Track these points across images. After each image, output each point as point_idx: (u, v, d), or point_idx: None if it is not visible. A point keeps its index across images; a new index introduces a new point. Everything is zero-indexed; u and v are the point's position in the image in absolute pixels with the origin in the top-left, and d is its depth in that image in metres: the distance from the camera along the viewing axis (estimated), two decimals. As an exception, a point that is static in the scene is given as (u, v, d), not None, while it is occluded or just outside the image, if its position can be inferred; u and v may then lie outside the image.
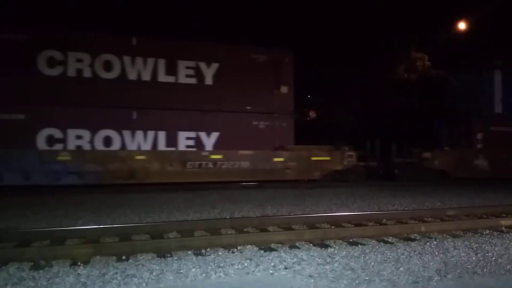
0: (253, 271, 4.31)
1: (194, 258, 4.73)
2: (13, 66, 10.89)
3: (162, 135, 12.11)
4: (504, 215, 7.86)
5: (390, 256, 4.87)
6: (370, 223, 6.99)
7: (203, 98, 12.47)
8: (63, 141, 11.29)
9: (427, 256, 4.93)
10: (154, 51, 12.20)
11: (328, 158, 13.80)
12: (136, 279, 4.00)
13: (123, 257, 4.82)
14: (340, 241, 5.81)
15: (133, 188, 11.59)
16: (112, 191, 11.08)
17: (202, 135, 12.55)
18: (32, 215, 7.63)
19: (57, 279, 3.98)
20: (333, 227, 6.72)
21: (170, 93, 12.21)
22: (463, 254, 5.04)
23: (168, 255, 4.94)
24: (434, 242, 5.59)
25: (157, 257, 4.88)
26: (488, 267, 4.52)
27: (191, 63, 12.55)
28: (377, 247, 5.33)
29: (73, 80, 11.44)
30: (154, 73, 12.16)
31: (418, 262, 4.66)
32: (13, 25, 11.41)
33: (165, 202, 9.41)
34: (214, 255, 4.92)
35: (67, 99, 11.26)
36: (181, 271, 4.25)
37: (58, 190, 10.91)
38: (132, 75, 11.96)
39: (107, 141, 11.65)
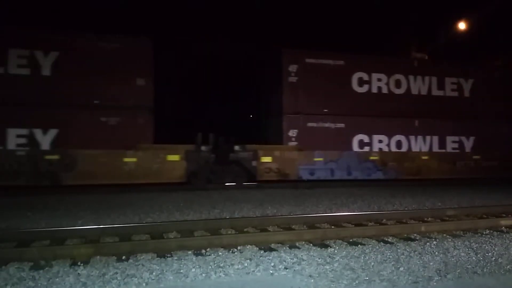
0: (253, 271, 4.30)
1: (194, 258, 4.73)
2: (335, 86, 13.74)
3: (435, 139, 14.89)
4: (504, 215, 7.86)
5: (390, 256, 4.87)
6: (370, 223, 6.99)
7: (463, 108, 15.14)
8: (369, 144, 14.13)
9: (427, 256, 4.92)
10: (429, 70, 15.00)
11: None
12: (136, 279, 4.00)
13: (123, 257, 4.82)
14: (340, 241, 5.80)
15: (133, 188, 11.59)
16: (112, 191, 11.08)
17: (463, 139, 15.25)
18: (32, 215, 7.63)
19: (57, 279, 3.99)
20: (333, 227, 6.72)
21: (440, 105, 14.92)
22: (463, 254, 5.04)
23: (168, 255, 4.94)
24: (434, 242, 5.59)
25: (157, 257, 4.87)
26: (488, 267, 4.52)
27: (454, 79, 15.30)
28: (377, 247, 5.32)
29: (375, 96, 14.27)
30: (429, 89, 14.95)
31: (418, 262, 4.65)
32: (335, 52, 14.26)
33: (165, 202, 9.41)
34: (214, 255, 4.92)
35: (371, 111, 14.04)
36: (181, 271, 4.25)
37: (58, 190, 10.91)
38: (414, 91, 14.78)
39: (399, 144, 14.46)
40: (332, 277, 4.12)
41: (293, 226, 6.72)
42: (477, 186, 13.42)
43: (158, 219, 7.41)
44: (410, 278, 4.12)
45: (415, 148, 14.64)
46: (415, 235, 6.20)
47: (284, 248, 5.36)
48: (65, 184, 11.14)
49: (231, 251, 5.15)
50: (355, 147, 13.98)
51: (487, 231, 6.53)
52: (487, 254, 5.03)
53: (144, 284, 3.91)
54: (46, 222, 6.93)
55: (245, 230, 6.36)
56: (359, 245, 5.49)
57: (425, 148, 14.76)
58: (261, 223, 6.71)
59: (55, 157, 11.08)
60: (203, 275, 4.16)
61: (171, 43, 14.96)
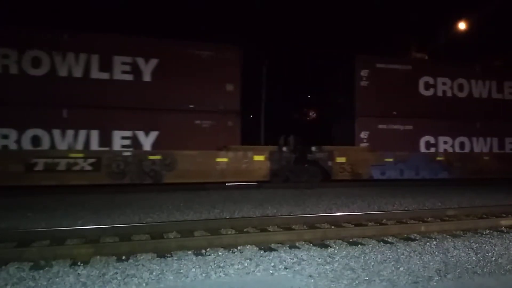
0: (253, 271, 4.31)
1: (194, 258, 4.73)
2: (403, 89, 14.36)
3: (495, 140, 15.59)
4: (504, 215, 7.86)
5: (390, 256, 4.87)
6: (370, 223, 6.99)
7: None
8: (435, 145, 14.81)
9: (427, 256, 4.92)
10: (489, 75, 15.69)
11: None
12: (136, 279, 4.00)
13: (123, 257, 4.82)
14: (340, 241, 5.81)
15: (133, 188, 11.60)
16: (112, 191, 11.09)
17: None
18: (32, 215, 7.63)
19: (57, 279, 3.99)
20: (333, 227, 6.72)
21: (499, 107, 15.64)
22: (463, 254, 5.04)
23: (168, 255, 4.94)
24: (434, 242, 5.59)
25: (157, 257, 4.87)
26: (488, 267, 4.52)
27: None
28: (377, 247, 5.32)
29: (440, 99, 14.87)
30: (490, 92, 15.67)
31: (418, 262, 4.65)
32: (400, 58, 15.40)
33: (165, 202, 9.41)
34: (214, 255, 4.92)
35: (436, 113, 14.63)
36: (181, 271, 4.25)
37: (58, 190, 10.91)
38: (476, 94, 15.44)
39: (462, 145, 15.14)
40: (332, 277, 4.12)
41: (293, 226, 6.72)
42: (477, 186, 13.41)
43: (158, 219, 7.41)
44: (410, 278, 4.12)
45: (476, 149, 15.33)
46: (415, 235, 6.20)
47: (284, 248, 5.36)
48: (165, 182, 11.95)
49: (231, 251, 5.15)
50: (422, 148, 14.64)
51: (487, 231, 6.53)
52: (487, 254, 5.03)
53: (144, 284, 3.91)
54: (46, 222, 6.93)
55: (245, 230, 6.36)
56: (359, 245, 5.49)
57: (485, 149, 15.42)
58: (261, 223, 6.71)
59: (158, 157, 11.89)
60: (203, 275, 4.16)
61: (254, 49, 15.65)
